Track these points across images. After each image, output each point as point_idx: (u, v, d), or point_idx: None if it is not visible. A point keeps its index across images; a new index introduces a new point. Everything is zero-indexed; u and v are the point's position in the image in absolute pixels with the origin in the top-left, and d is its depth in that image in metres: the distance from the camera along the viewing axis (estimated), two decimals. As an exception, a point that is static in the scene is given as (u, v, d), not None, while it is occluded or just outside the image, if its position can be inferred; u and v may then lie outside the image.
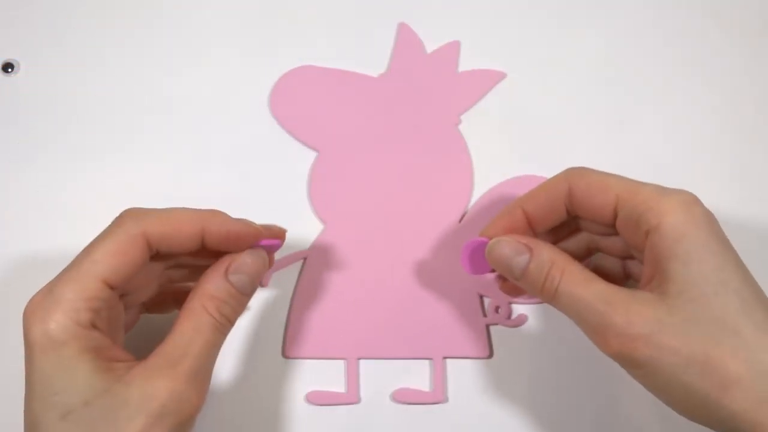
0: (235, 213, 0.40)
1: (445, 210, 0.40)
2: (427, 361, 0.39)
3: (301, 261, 0.40)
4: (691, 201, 0.31)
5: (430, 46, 0.42)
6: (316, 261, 0.40)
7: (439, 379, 0.39)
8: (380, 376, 0.39)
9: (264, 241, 0.33)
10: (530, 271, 0.33)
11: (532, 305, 0.40)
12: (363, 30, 0.43)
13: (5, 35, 0.42)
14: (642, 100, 0.43)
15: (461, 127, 0.41)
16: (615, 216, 0.33)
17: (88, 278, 0.31)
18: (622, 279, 0.36)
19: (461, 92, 0.42)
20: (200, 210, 0.33)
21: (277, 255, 0.40)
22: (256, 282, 0.33)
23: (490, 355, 0.39)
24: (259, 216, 0.40)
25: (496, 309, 0.39)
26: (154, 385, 0.29)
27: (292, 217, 0.40)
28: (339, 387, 0.39)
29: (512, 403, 0.39)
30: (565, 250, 0.33)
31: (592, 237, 0.36)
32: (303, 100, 0.41)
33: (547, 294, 0.32)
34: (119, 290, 0.32)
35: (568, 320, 0.39)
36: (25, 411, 0.31)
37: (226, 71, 0.42)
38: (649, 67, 0.43)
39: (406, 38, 0.42)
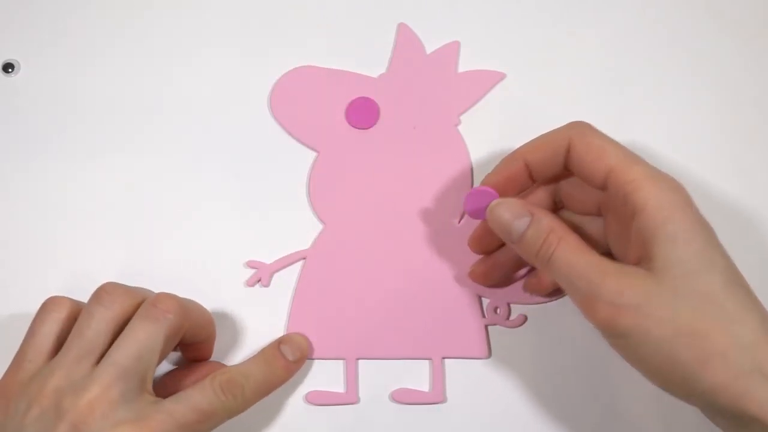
0: (235, 213, 0.41)
1: (444, 210, 0.40)
2: (426, 362, 0.39)
3: (301, 261, 0.40)
4: (676, 186, 0.33)
5: (430, 47, 0.42)
6: (316, 261, 0.40)
7: (438, 379, 0.39)
8: (379, 376, 0.39)
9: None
10: (528, 236, 0.34)
11: (531, 305, 0.40)
12: (363, 30, 0.42)
13: (5, 35, 0.42)
14: (642, 100, 0.42)
15: (461, 127, 0.41)
16: (605, 185, 0.33)
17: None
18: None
19: (461, 92, 0.42)
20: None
21: (277, 255, 0.40)
22: None
23: (489, 355, 0.39)
24: (259, 216, 0.41)
25: (495, 309, 0.40)
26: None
27: (292, 217, 0.41)
28: (338, 387, 0.39)
29: (511, 404, 0.39)
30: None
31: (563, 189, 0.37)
32: (303, 100, 0.41)
33: (541, 259, 0.33)
34: None
35: (568, 321, 0.40)
36: None
37: (226, 71, 0.42)
38: (649, 67, 0.43)
39: (406, 38, 0.42)
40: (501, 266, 0.39)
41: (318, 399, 0.39)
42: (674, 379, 0.31)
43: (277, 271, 0.40)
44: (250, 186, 0.41)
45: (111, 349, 0.33)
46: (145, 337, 0.33)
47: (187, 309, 0.35)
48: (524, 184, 0.36)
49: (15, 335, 0.36)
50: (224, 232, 0.40)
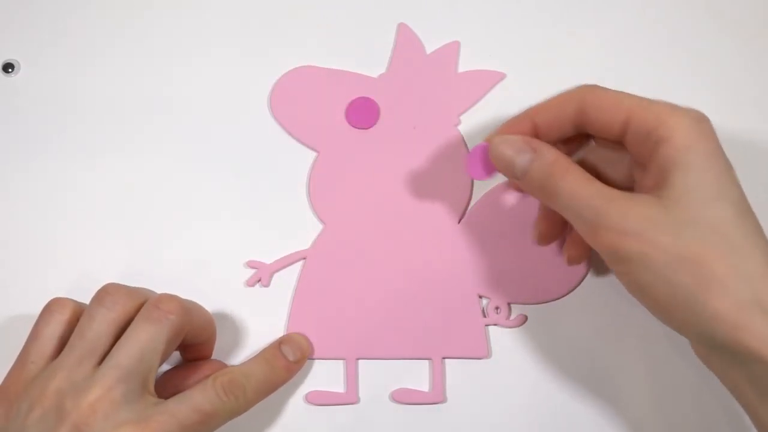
0: (235, 213, 0.41)
1: (444, 210, 0.40)
2: (426, 362, 0.39)
3: (301, 261, 0.40)
4: (702, 118, 0.33)
5: (430, 47, 0.42)
6: (316, 261, 0.40)
7: (438, 379, 0.39)
8: (379, 376, 0.39)
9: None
10: (533, 170, 0.34)
11: (531, 306, 0.40)
12: (363, 30, 0.42)
13: (5, 35, 0.42)
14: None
15: (461, 127, 0.41)
16: (625, 131, 0.33)
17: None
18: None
19: (461, 92, 0.42)
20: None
21: (277, 255, 0.40)
22: None
23: (489, 355, 0.39)
24: (259, 216, 0.41)
25: (496, 309, 0.40)
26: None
27: (292, 217, 0.41)
28: (338, 387, 0.39)
29: (511, 404, 0.39)
30: None
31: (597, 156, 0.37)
32: (303, 100, 0.41)
33: (547, 192, 0.33)
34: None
35: (568, 321, 0.40)
36: None
37: (226, 71, 0.42)
38: (649, 67, 0.43)
39: (406, 38, 0.42)
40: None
41: (318, 399, 0.39)
42: (674, 308, 0.31)
43: (277, 271, 0.40)
44: (250, 186, 0.41)
45: (113, 350, 0.33)
46: (147, 339, 0.33)
47: (188, 310, 0.35)
48: None
49: (16, 336, 0.36)
50: (224, 232, 0.40)
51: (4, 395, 0.34)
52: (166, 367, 0.38)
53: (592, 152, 0.37)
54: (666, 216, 0.31)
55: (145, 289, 0.37)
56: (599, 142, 0.36)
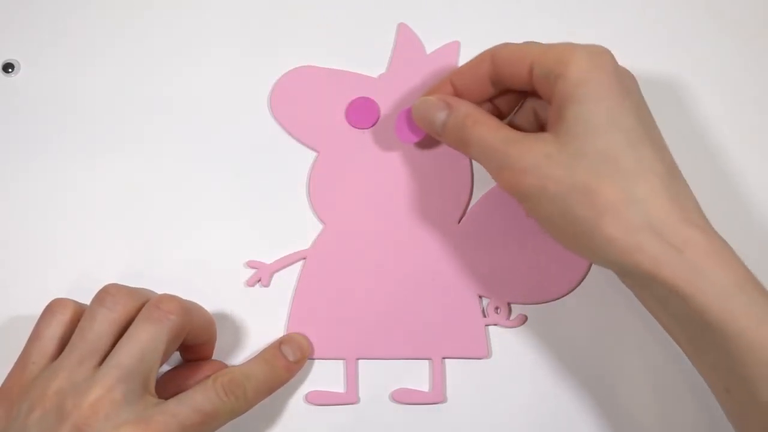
0: (235, 213, 0.41)
1: (444, 211, 0.40)
2: (426, 362, 0.39)
3: (301, 261, 0.40)
4: (600, 51, 0.33)
5: (430, 47, 0.42)
6: (316, 261, 0.40)
7: (439, 379, 0.39)
8: (379, 376, 0.39)
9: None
10: (449, 124, 0.36)
11: (531, 306, 0.40)
12: (363, 30, 0.42)
13: (5, 35, 0.42)
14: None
15: (461, 127, 0.41)
16: (531, 78, 0.34)
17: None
18: None
19: (461, 93, 0.42)
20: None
21: (277, 255, 0.40)
22: None
23: (489, 355, 0.39)
24: (259, 216, 0.41)
25: (496, 309, 0.40)
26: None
27: (292, 217, 0.41)
28: (338, 387, 0.39)
29: (511, 404, 0.39)
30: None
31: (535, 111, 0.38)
32: (303, 100, 0.41)
33: (463, 143, 0.35)
34: None
35: (568, 321, 0.40)
36: None
37: (226, 71, 0.42)
38: (649, 67, 0.43)
39: (406, 38, 0.42)
40: None
41: (318, 399, 0.39)
42: (576, 237, 0.32)
43: (277, 271, 0.40)
44: (251, 186, 0.41)
45: (114, 350, 0.33)
46: (147, 339, 0.33)
47: (189, 310, 0.35)
48: None
49: (16, 336, 0.36)
50: (224, 232, 0.40)
51: (5, 396, 0.34)
52: (166, 367, 0.38)
53: (526, 104, 0.38)
54: (560, 150, 0.32)
55: (145, 289, 0.37)
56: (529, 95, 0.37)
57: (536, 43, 0.35)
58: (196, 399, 0.34)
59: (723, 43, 0.43)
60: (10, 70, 0.42)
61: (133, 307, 0.35)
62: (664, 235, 0.31)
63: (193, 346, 0.37)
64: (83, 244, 0.40)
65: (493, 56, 0.35)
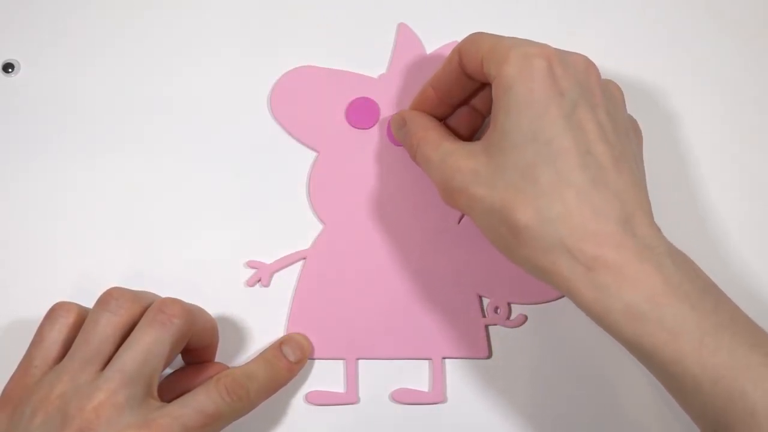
0: (235, 213, 0.41)
1: (444, 210, 0.40)
2: (426, 362, 0.39)
3: (301, 261, 0.40)
4: (534, 53, 0.32)
5: (430, 46, 0.42)
6: (316, 261, 0.40)
7: (438, 379, 0.39)
8: (379, 376, 0.39)
9: None
10: (406, 144, 0.36)
11: (531, 306, 0.40)
12: (363, 30, 0.42)
13: (5, 35, 0.42)
14: (641, 99, 0.42)
15: (461, 127, 0.41)
16: (482, 73, 0.33)
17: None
18: None
19: (461, 93, 0.42)
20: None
21: (277, 255, 0.40)
22: None
23: (489, 355, 0.39)
24: (259, 216, 0.41)
25: (496, 309, 0.40)
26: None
27: (292, 217, 0.41)
28: (338, 387, 0.39)
29: (511, 404, 0.39)
30: None
31: None
32: (303, 100, 0.41)
33: (417, 160, 0.36)
34: None
35: (568, 321, 0.40)
36: None
37: (226, 71, 0.42)
38: (649, 67, 0.43)
39: (406, 38, 0.42)
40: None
41: (318, 399, 0.39)
42: (503, 250, 0.32)
43: (277, 271, 0.40)
44: (250, 186, 0.41)
45: (117, 354, 0.33)
46: (151, 343, 0.33)
47: (192, 314, 0.35)
48: (437, 107, 0.37)
49: (18, 339, 0.36)
50: (224, 232, 0.40)
51: (7, 399, 0.34)
52: (168, 370, 0.38)
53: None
54: (487, 165, 0.32)
55: (148, 292, 0.37)
56: None
57: (492, 35, 0.33)
58: (199, 401, 0.34)
59: (723, 43, 0.43)
60: (10, 70, 0.42)
61: (137, 310, 0.35)
62: (574, 253, 0.30)
63: (195, 349, 0.37)
64: (83, 245, 0.40)
65: (459, 49, 0.35)
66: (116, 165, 0.41)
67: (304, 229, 0.40)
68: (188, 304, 0.35)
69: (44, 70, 0.42)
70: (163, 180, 0.41)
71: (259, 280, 0.40)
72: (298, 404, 0.39)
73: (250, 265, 0.40)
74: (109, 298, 0.35)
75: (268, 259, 0.40)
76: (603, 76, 0.43)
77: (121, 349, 0.34)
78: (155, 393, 0.34)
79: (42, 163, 0.41)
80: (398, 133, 0.37)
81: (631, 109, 0.42)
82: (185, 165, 0.41)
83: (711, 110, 0.43)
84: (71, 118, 0.41)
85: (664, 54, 0.43)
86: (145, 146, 0.41)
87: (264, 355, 0.38)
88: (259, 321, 0.40)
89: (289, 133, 0.41)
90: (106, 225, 0.40)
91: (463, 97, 0.36)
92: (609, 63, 0.43)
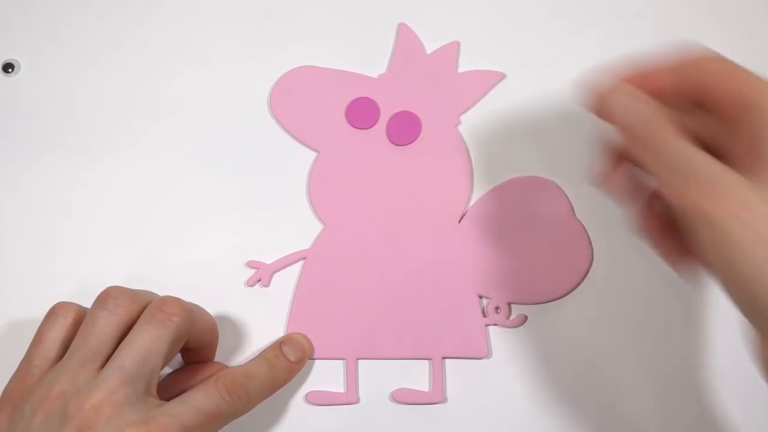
0: (235, 213, 0.41)
1: (444, 210, 0.40)
2: (426, 362, 0.39)
3: (301, 261, 0.40)
4: None
5: (430, 47, 0.42)
6: (316, 261, 0.40)
7: (438, 379, 0.39)
8: (379, 376, 0.39)
9: None
10: (633, 119, 0.31)
11: (531, 306, 0.40)
12: (363, 30, 0.42)
13: (5, 35, 0.42)
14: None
15: (461, 127, 0.41)
16: (738, 109, 0.30)
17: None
18: None
19: (461, 93, 0.42)
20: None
21: (277, 255, 0.40)
22: None
23: (489, 355, 0.39)
24: (259, 216, 0.41)
25: (496, 309, 0.40)
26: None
27: (292, 217, 0.41)
28: (338, 387, 0.39)
29: (511, 404, 0.39)
30: None
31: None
32: (303, 100, 0.41)
33: (649, 143, 0.30)
34: None
35: (568, 321, 0.40)
36: None
37: (226, 71, 0.42)
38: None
39: (406, 39, 0.42)
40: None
41: (318, 399, 0.39)
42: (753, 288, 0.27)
43: (277, 271, 0.40)
44: (251, 186, 0.41)
45: (116, 353, 0.33)
46: (150, 341, 0.33)
47: (191, 312, 0.35)
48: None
49: (18, 340, 0.36)
50: (224, 232, 0.40)
51: (7, 399, 0.34)
52: (167, 369, 0.38)
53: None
54: (756, 190, 0.27)
55: (147, 291, 0.37)
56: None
57: (745, 72, 0.31)
58: (198, 399, 0.34)
59: (723, 43, 0.43)
60: (10, 70, 0.42)
61: (135, 309, 0.35)
62: None
63: (195, 348, 0.37)
64: (83, 245, 0.40)
65: (696, 65, 0.32)
66: (116, 165, 0.41)
67: (304, 229, 0.40)
68: (187, 302, 0.35)
69: (44, 70, 0.42)
70: (163, 180, 0.41)
71: (259, 280, 0.40)
72: (298, 404, 0.39)
73: (250, 265, 0.40)
74: (107, 297, 0.35)
75: (268, 259, 0.40)
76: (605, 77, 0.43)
77: (119, 347, 0.34)
78: (154, 391, 0.34)
79: (42, 164, 0.41)
80: (627, 103, 0.32)
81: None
82: (185, 165, 0.41)
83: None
84: (71, 118, 0.42)
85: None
86: (145, 146, 0.41)
87: (264, 354, 0.38)
88: (259, 321, 0.40)
89: (289, 133, 0.41)
90: (105, 225, 0.41)
91: (672, 105, 0.33)
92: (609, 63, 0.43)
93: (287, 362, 0.37)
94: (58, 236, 0.40)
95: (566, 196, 0.41)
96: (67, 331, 0.35)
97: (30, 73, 0.42)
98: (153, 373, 0.34)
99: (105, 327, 0.34)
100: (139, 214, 0.41)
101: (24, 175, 0.41)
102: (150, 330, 0.34)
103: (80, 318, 0.35)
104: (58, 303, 0.36)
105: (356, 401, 0.39)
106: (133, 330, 0.34)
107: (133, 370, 0.33)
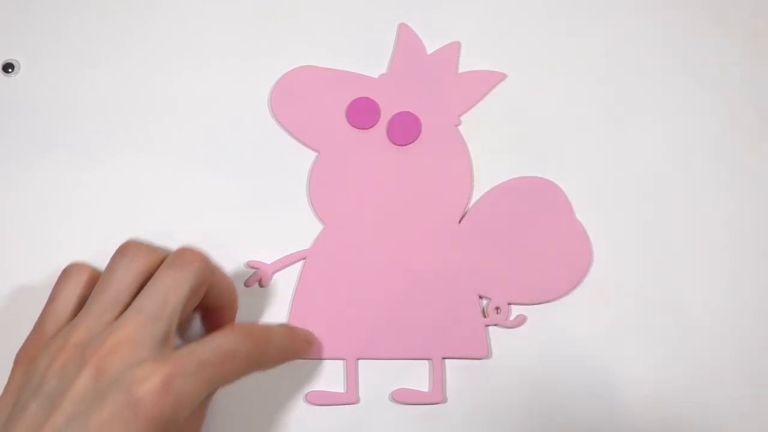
0: (235, 213, 0.41)
1: (444, 211, 0.40)
2: (426, 362, 0.39)
3: (301, 261, 0.40)
4: None
5: (430, 47, 0.42)
6: (316, 261, 0.40)
7: (438, 379, 0.39)
8: (379, 377, 0.39)
9: None
10: None
11: (531, 306, 0.40)
12: (363, 30, 0.43)
13: (5, 35, 0.42)
14: (641, 99, 0.43)
15: (461, 127, 0.41)
16: None
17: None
18: None
19: (461, 93, 0.42)
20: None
21: (277, 255, 0.40)
22: None
23: (489, 355, 0.39)
24: (259, 216, 0.41)
25: (496, 309, 0.40)
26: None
27: (292, 217, 0.41)
28: (338, 387, 0.39)
29: (511, 404, 0.39)
30: None
31: None
32: (303, 100, 0.41)
33: None
34: None
35: (568, 321, 0.40)
36: None
37: (226, 71, 0.42)
38: (649, 67, 0.43)
39: (406, 39, 0.42)
40: None
41: (318, 399, 0.39)
42: None
43: (277, 271, 0.40)
44: (251, 186, 0.41)
45: (137, 297, 0.33)
46: (171, 284, 0.32)
47: (211, 262, 0.34)
48: None
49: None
50: (224, 232, 0.40)
51: (24, 355, 0.33)
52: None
53: None
54: None
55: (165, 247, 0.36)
56: None
57: None
58: (216, 339, 0.32)
59: (723, 43, 0.43)
60: (10, 70, 0.42)
61: (155, 258, 0.34)
62: None
63: (214, 309, 0.36)
64: (83, 245, 0.40)
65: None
66: (116, 165, 0.41)
67: (304, 229, 0.40)
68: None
69: (44, 70, 0.42)
70: (163, 180, 0.41)
71: (259, 280, 0.40)
72: (298, 404, 0.39)
73: (250, 265, 0.40)
74: (126, 248, 0.34)
75: (268, 259, 0.40)
76: (603, 77, 0.43)
77: (139, 295, 0.33)
78: (173, 342, 0.33)
79: (42, 164, 0.41)
80: None
81: (630, 109, 0.43)
82: (185, 165, 0.41)
83: (711, 111, 0.43)
84: (71, 118, 0.42)
85: (665, 54, 0.43)
86: (145, 146, 0.41)
87: (281, 324, 0.37)
88: (259, 321, 0.40)
89: (290, 133, 0.41)
90: (106, 225, 0.41)
91: None
92: (609, 63, 0.43)
93: (302, 335, 0.37)
94: (58, 236, 0.40)
95: (566, 196, 0.41)
96: (82, 288, 0.34)
97: (30, 73, 0.42)
98: (172, 317, 0.32)
99: (124, 276, 0.33)
100: (139, 214, 0.41)
101: (24, 175, 0.41)
102: (170, 273, 0.33)
103: (94, 277, 0.34)
104: (71, 263, 0.35)
105: (356, 401, 0.39)
106: (154, 276, 0.33)
107: (152, 312, 0.32)
